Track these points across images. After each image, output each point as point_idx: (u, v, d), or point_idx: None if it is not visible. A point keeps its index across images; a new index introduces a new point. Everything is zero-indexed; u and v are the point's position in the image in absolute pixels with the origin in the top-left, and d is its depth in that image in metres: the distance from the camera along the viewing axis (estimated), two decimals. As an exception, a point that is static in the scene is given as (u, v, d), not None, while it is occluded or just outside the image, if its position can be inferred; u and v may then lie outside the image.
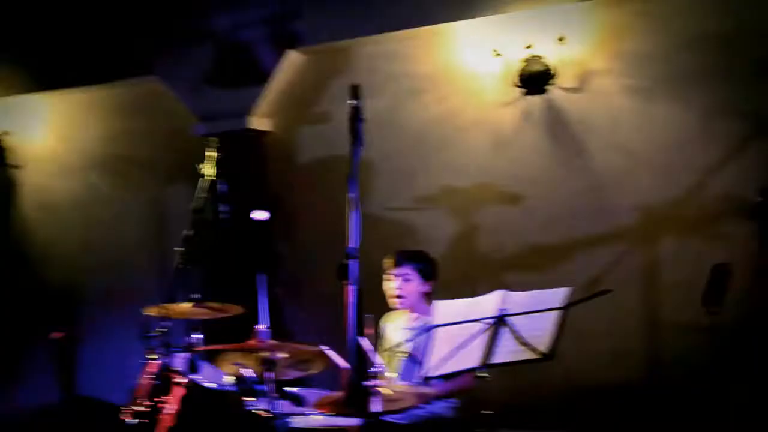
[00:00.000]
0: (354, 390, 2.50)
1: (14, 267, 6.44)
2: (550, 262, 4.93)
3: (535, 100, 4.94)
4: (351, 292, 2.51)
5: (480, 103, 5.12)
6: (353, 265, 2.54)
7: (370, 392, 2.87)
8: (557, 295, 3.08)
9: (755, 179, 4.40)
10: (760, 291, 4.41)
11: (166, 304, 3.64)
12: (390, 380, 3.55)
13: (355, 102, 2.70)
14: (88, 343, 5.67)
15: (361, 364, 2.53)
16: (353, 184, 2.64)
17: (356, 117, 2.70)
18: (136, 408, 3.39)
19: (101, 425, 4.36)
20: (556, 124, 4.95)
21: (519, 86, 4.92)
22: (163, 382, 3.34)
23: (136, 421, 3.40)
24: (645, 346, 4.77)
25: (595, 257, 4.84)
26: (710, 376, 4.08)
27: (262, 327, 3.17)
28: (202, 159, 4.73)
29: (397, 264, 3.75)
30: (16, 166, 6.38)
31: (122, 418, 3.43)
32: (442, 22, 4.92)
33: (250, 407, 3.27)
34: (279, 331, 5.04)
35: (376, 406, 2.84)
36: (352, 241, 2.58)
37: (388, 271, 3.76)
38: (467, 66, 5.13)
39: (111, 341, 5.96)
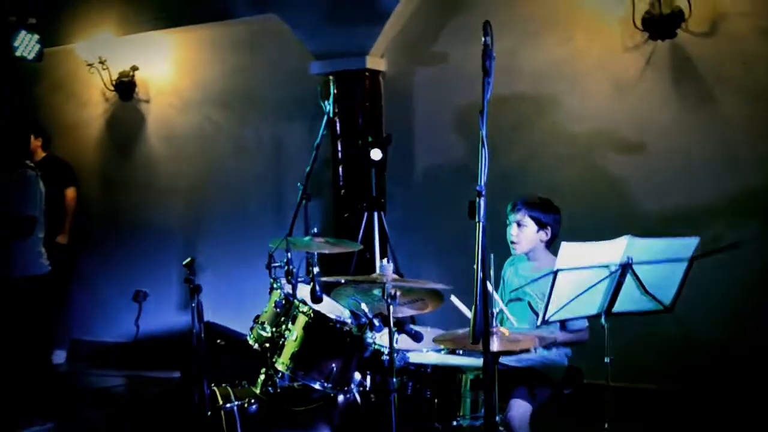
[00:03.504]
0: (476, 329, 2.52)
1: (141, 197, 6.77)
2: (670, 213, 4.78)
3: (662, 44, 4.74)
4: (480, 230, 2.50)
5: (602, 47, 4.97)
6: (482, 202, 2.52)
7: (491, 332, 2.91)
8: (686, 245, 2.99)
9: None
10: None
11: (288, 237, 3.74)
12: (507, 324, 3.58)
13: (486, 39, 2.64)
14: (209, 271, 5.95)
15: (485, 303, 2.53)
16: (483, 120, 2.60)
17: (487, 54, 2.65)
18: (259, 334, 3.53)
19: (227, 350, 4.57)
20: (684, 69, 4.74)
21: (645, 30, 4.73)
22: (286, 310, 3.45)
23: (258, 346, 3.54)
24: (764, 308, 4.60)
25: (718, 210, 4.66)
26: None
27: (384, 261, 3.22)
28: (317, 97, 4.81)
29: (513, 210, 3.73)
30: (144, 100, 6.64)
31: (247, 343, 3.59)
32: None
33: (368, 340, 3.35)
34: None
35: (495, 346, 2.88)
36: (481, 178, 2.55)
37: (507, 216, 3.75)
38: (590, 7, 4.96)
39: (227, 270, 6.22)
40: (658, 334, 4.65)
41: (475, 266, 2.45)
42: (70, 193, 6.49)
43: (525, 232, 3.70)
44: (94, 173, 6.96)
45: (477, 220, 2.50)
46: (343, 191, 5.64)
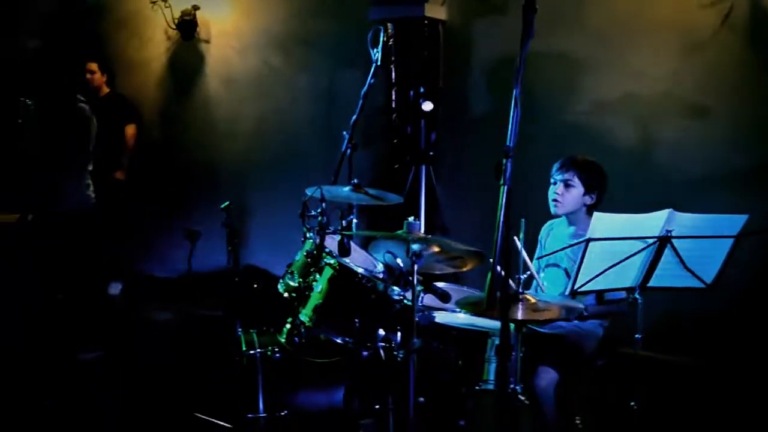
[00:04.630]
0: (497, 293, 2.42)
1: (199, 137, 6.82)
2: (734, 186, 4.51)
3: (741, 0, 4.40)
4: (504, 193, 2.39)
5: (674, 2, 4.66)
6: (509, 164, 2.39)
7: (515, 298, 2.82)
8: (733, 222, 2.81)
9: None
10: None
11: (326, 185, 3.69)
12: (539, 290, 3.46)
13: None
14: (257, 215, 5.96)
15: (508, 267, 2.43)
16: (517, 78, 2.46)
17: (529, 6, 2.49)
18: (288, 283, 3.53)
19: (266, 294, 4.59)
20: (764, 30, 4.41)
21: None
22: (315, 261, 3.42)
23: (287, 295, 3.54)
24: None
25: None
26: None
27: (412, 218, 3.14)
28: (374, 44, 4.70)
29: (561, 168, 3.58)
30: (204, 40, 6.64)
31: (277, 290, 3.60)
32: None
33: (396, 296, 3.29)
34: (435, 226, 5.07)
35: (518, 313, 2.78)
36: (510, 138, 2.43)
37: (553, 175, 3.60)
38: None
39: (277, 215, 6.24)
40: (695, 307, 4.42)
41: (495, 232, 2.35)
42: (130, 129, 6.58)
43: (571, 193, 3.57)
44: (155, 111, 7.04)
45: (502, 183, 2.38)
46: (395, 141, 5.54)
